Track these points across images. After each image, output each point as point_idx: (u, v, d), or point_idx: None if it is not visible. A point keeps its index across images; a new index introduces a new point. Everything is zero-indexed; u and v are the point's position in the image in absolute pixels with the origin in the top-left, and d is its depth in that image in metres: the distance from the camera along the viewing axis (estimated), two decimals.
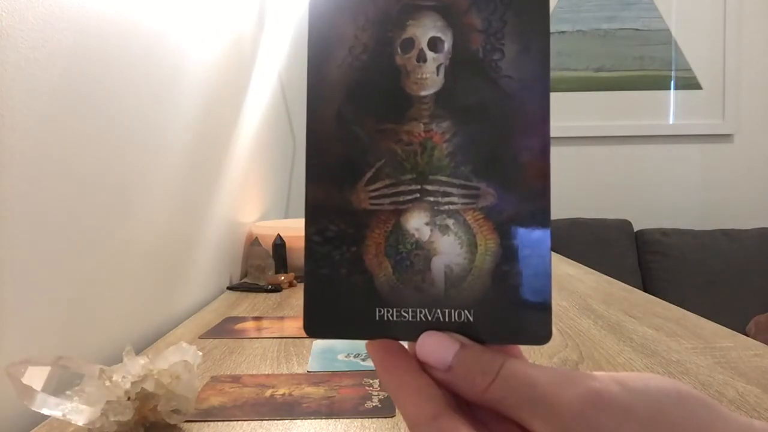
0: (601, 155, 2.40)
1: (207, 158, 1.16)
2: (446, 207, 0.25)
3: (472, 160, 0.25)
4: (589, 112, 2.38)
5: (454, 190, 0.25)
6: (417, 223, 0.25)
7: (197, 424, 0.54)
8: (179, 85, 1.00)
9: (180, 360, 0.52)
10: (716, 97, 2.39)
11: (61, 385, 0.47)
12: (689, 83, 2.38)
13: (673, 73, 2.38)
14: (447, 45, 0.25)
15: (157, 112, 0.90)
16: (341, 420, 0.55)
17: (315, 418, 0.55)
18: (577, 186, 2.38)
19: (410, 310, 0.25)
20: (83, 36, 0.69)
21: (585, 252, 2.11)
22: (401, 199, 0.25)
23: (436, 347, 0.24)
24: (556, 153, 2.35)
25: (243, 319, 0.94)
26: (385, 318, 0.25)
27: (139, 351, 0.76)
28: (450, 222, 0.25)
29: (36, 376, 0.46)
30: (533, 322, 0.24)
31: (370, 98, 0.25)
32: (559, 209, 2.32)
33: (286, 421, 0.55)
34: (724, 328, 0.84)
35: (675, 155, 2.41)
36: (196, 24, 1.08)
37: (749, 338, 0.79)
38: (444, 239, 0.25)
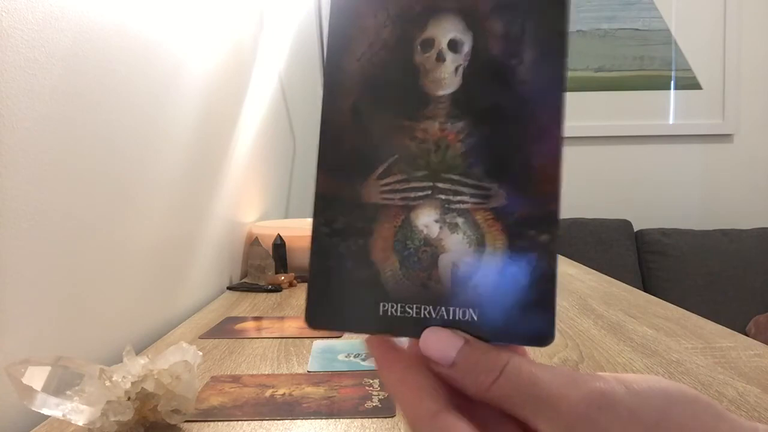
0: (602, 155, 2.40)
1: (207, 158, 1.16)
2: (457, 206, 0.25)
3: (485, 161, 0.25)
4: (589, 112, 2.37)
5: (465, 189, 0.25)
6: (426, 219, 0.25)
7: (197, 424, 0.54)
8: (179, 85, 1.00)
9: (180, 360, 0.52)
10: (716, 97, 2.39)
11: (61, 385, 0.47)
12: (689, 83, 2.38)
13: (673, 73, 2.38)
14: (466, 47, 0.25)
15: (156, 112, 0.90)
16: (341, 420, 0.55)
17: (315, 418, 0.55)
18: (577, 186, 2.38)
19: (415, 306, 0.25)
20: (83, 36, 0.69)
21: (585, 252, 2.11)
22: (412, 195, 0.25)
23: (440, 343, 0.24)
24: None
25: (243, 319, 0.94)
26: (389, 313, 0.25)
27: (139, 351, 0.76)
28: (460, 220, 0.25)
29: (36, 376, 0.46)
30: (537, 324, 0.25)
31: (387, 94, 0.26)
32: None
33: (286, 421, 0.55)
34: (724, 328, 0.84)
35: (675, 155, 2.41)
36: (196, 24, 1.08)
37: (749, 338, 0.79)
38: (452, 237, 0.25)
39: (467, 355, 0.23)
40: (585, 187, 2.39)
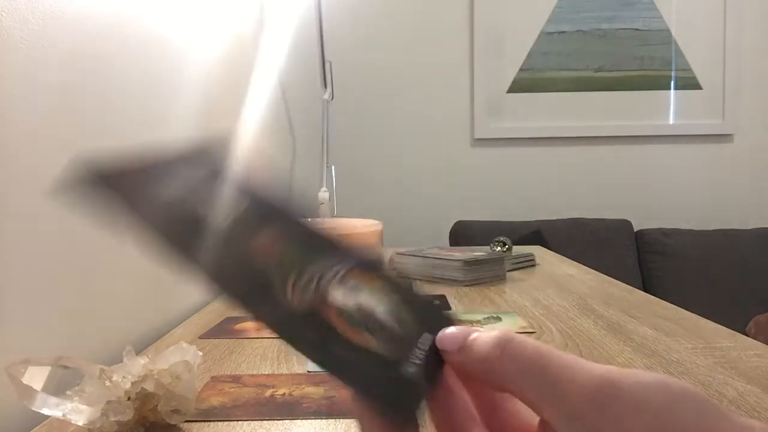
0: (601, 155, 2.40)
1: None
2: (338, 275, 0.28)
3: (307, 246, 0.30)
4: (589, 112, 2.37)
5: (325, 264, 0.29)
6: (342, 295, 0.28)
7: (197, 424, 0.54)
8: (179, 85, 1.00)
9: (180, 360, 0.52)
10: (716, 97, 2.38)
11: (61, 385, 0.47)
12: (689, 83, 2.38)
13: (673, 73, 2.38)
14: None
15: (157, 112, 0.90)
16: (341, 420, 0.54)
17: (315, 418, 0.55)
18: (577, 186, 2.38)
19: (411, 357, 0.26)
20: (83, 36, 0.69)
21: (585, 252, 2.11)
22: (313, 286, 0.28)
23: (453, 336, 0.26)
24: (556, 153, 2.35)
25: (243, 319, 0.94)
26: (410, 372, 0.25)
27: (139, 351, 0.75)
28: (352, 283, 0.28)
29: (36, 376, 0.46)
30: (448, 322, 0.28)
31: (196, 235, 0.29)
32: (559, 209, 2.32)
33: (286, 421, 0.55)
34: (724, 328, 0.84)
35: (675, 155, 2.41)
36: (196, 24, 1.08)
37: (749, 338, 0.79)
38: (363, 296, 0.28)
39: (474, 338, 0.25)
40: (585, 187, 2.39)
